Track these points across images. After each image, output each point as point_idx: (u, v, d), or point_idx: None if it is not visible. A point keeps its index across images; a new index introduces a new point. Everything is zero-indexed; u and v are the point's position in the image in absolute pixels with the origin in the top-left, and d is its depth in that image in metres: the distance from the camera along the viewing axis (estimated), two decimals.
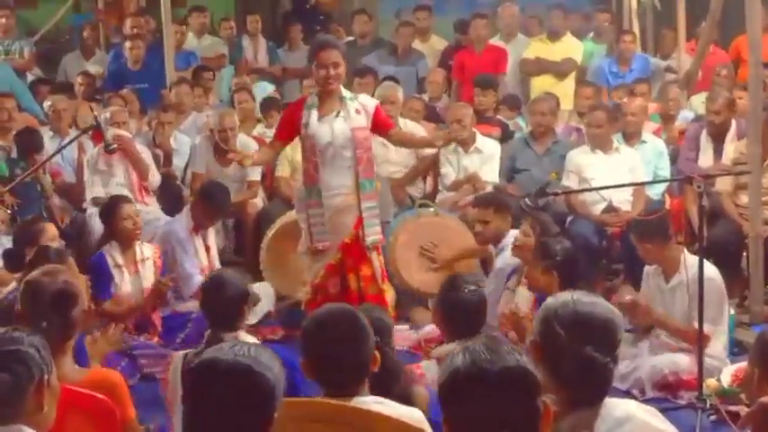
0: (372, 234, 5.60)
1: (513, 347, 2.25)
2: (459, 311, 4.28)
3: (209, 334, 4.12)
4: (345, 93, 5.67)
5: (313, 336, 3.00)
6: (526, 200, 5.47)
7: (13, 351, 2.46)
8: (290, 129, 5.68)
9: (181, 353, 4.18)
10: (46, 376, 2.49)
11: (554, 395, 2.48)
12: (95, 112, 7.43)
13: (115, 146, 6.88)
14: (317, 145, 5.54)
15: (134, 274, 6.14)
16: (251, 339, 3.96)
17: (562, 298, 2.69)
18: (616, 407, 2.60)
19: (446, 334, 4.36)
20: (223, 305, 4.12)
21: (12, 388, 2.43)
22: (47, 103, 8.23)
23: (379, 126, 5.71)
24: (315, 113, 5.57)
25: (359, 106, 5.62)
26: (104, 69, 10.09)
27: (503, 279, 5.92)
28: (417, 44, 10.23)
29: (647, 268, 5.68)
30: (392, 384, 3.45)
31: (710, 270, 5.21)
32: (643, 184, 7.19)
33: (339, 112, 5.57)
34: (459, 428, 2.19)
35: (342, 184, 5.55)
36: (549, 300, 2.71)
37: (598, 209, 7.21)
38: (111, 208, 6.30)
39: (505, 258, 6.14)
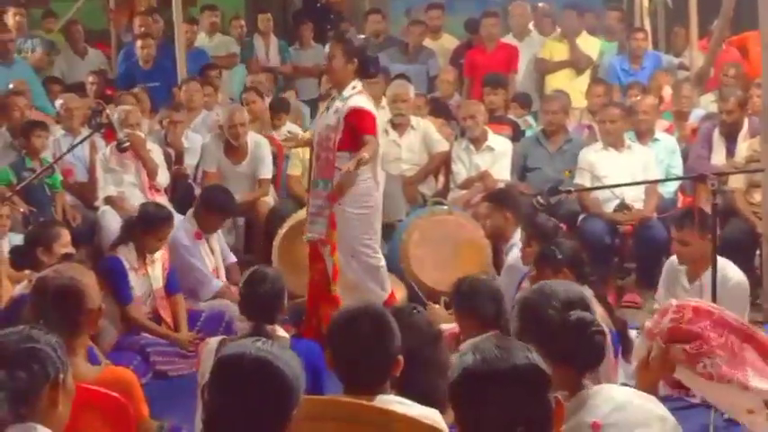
0: (311, 231, 5.78)
1: (524, 345, 2.25)
2: (475, 303, 4.27)
3: (252, 325, 4.22)
4: (347, 91, 5.69)
5: (340, 328, 3.03)
6: (539, 198, 5.46)
7: (29, 349, 2.45)
8: None
9: (217, 338, 4.32)
10: (61, 375, 2.49)
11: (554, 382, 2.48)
12: (107, 111, 7.45)
13: (128, 144, 6.90)
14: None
15: (144, 276, 6.10)
16: (284, 334, 4.17)
17: (531, 288, 2.83)
18: (617, 391, 2.66)
19: (465, 329, 4.31)
20: (265, 298, 4.25)
21: (27, 386, 2.42)
22: (59, 102, 8.24)
23: (352, 130, 5.62)
24: (323, 107, 5.87)
25: (339, 106, 5.68)
26: (99, 66, 10.11)
27: (515, 276, 5.88)
28: (428, 42, 10.21)
29: (668, 263, 5.61)
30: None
31: (738, 274, 5.24)
32: (656, 182, 7.16)
33: (328, 109, 5.74)
34: (472, 427, 2.18)
35: None
36: (519, 294, 2.79)
37: (610, 207, 7.18)
38: (157, 221, 6.08)
39: (516, 255, 6.13)
